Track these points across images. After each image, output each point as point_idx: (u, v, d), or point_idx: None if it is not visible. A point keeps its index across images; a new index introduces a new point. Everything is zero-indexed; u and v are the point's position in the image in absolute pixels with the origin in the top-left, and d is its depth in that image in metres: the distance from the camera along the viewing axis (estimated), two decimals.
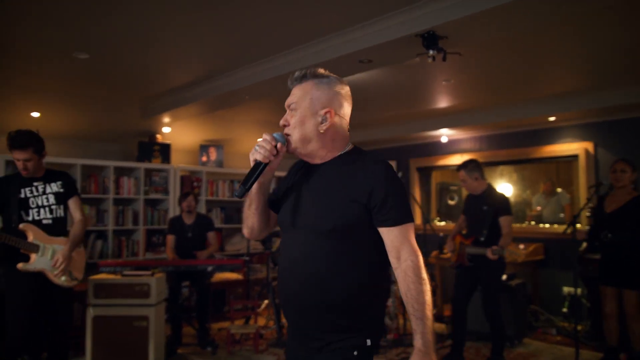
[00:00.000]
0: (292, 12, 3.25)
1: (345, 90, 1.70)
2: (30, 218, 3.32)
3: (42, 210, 3.36)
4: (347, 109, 1.70)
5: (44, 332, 3.48)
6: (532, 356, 4.47)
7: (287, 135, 1.67)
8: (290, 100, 1.67)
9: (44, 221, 3.36)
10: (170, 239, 5.13)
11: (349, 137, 1.72)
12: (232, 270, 5.13)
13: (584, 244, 5.02)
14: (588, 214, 5.14)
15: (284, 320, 4.27)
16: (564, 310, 5.49)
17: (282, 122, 1.69)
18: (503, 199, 4.23)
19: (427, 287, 1.56)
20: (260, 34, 3.70)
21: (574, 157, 5.81)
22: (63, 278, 3.35)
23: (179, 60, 4.33)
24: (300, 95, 1.65)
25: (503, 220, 4.13)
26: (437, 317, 5.84)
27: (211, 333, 5.06)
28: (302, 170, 1.76)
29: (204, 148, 6.89)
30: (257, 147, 1.63)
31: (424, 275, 1.57)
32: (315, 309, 1.59)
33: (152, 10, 3.21)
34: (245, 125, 6.71)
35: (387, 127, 7.18)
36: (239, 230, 6.88)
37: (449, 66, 4.30)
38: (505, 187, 6.73)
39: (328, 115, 1.63)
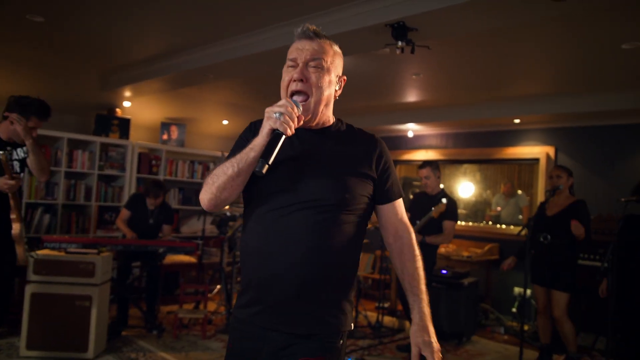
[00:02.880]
0: None
1: None
2: None
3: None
4: None
5: None
6: (479, 354, 4.51)
7: (301, 93, 1.45)
8: (312, 54, 1.44)
9: None
10: (126, 213, 4.90)
11: None
12: (185, 253, 4.98)
13: None
14: None
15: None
16: (514, 310, 5.58)
17: (297, 76, 1.43)
18: (452, 203, 4.36)
19: (421, 263, 1.58)
20: (225, 12, 3.55)
21: (536, 161, 5.88)
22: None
23: (142, 32, 4.13)
24: (324, 53, 1.46)
25: (447, 224, 4.18)
26: (390, 312, 5.85)
27: (159, 316, 4.92)
28: (292, 138, 1.48)
29: (165, 126, 6.67)
30: (278, 114, 1.36)
31: (418, 251, 1.60)
32: (311, 285, 1.44)
33: None
34: (210, 105, 6.51)
35: (353, 117, 7.09)
36: (196, 212, 6.72)
37: (420, 60, 4.24)
38: (467, 186, 6.78)
39: (342, 83, 1.58)
